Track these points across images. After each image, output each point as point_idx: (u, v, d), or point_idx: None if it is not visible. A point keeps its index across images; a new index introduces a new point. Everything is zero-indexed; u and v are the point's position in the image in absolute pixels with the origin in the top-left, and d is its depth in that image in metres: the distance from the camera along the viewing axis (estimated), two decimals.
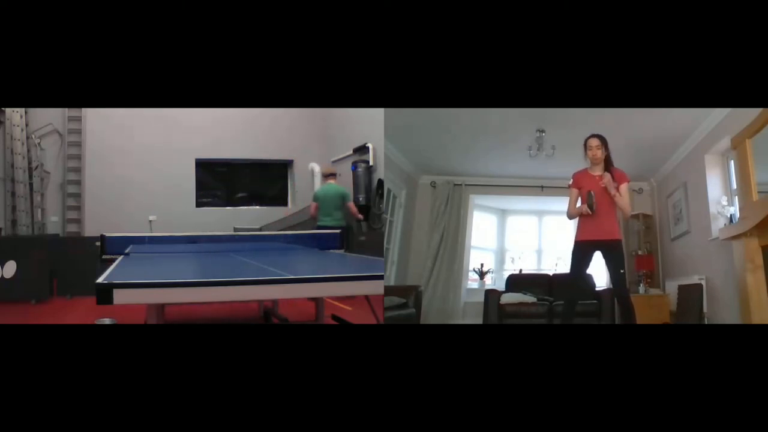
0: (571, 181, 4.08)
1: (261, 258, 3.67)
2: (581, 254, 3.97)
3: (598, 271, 7.21)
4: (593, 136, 3.98)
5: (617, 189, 3.86)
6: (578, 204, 4.02)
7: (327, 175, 7.67)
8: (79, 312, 6.25)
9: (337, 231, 5.88)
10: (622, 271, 3.91)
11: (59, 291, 7.44)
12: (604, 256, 3.96)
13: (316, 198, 7.46)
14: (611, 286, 4.24)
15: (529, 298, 6.44)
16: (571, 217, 4.10)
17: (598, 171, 3.96)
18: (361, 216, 7.80)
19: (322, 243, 5.26)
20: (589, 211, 3.84)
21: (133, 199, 10.52)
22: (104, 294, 2.05)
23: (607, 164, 3.95)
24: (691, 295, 5.36)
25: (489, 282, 7.66)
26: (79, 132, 10.53)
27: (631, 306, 3.90)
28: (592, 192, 3.88)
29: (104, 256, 4.63)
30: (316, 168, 11.26)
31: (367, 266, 3.14)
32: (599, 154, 3.92)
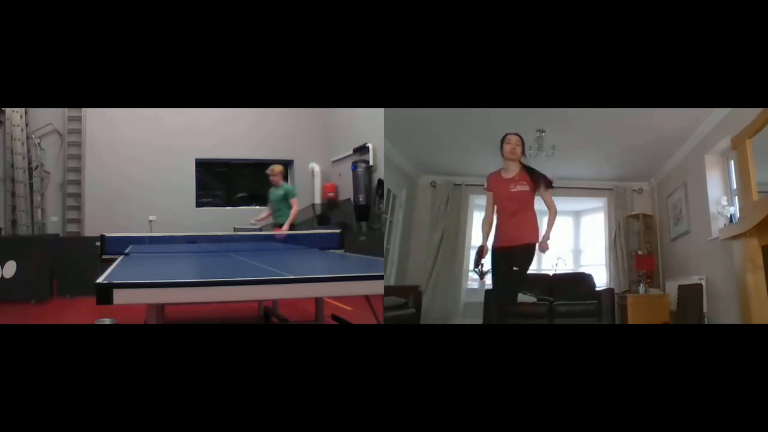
0: (486, 185, 3.95)
1: (261, 258, 3.67)
2: (501, 264, 3.85)
3: (598, 271, 7.25)
4: (513, 133, 3.84)
5: (537, 193, 3.75)
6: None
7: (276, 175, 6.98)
8: (79, 312, 6.25)
9: (337, 231, 5.88)
10: (515, 268, 3.78)
11: (59, 291, 7.44)
12: (513, 258, 3.82)
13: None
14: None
15: (529, 298, 6.44)
16: (489, 224, 3.96)
17: (511, 172, 3.84)
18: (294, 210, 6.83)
19: (322, 243, 5.27)
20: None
21: (133, 199, 10.53)
22: (104, 294, 2.05)
23: (524, 166, 3.83)
24: (691, 295, 5.36)
25: (489, 282, 7.65)
26: (79, 132, 10.54)
27: (504, 314, 3.83)
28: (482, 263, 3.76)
29: (104, 256, 4.63)
30: (316, 168, 11.26)
31: (367, 266, 3.14)
32: (518, 150, 3.80)
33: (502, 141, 3.85)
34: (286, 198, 6.83)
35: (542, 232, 3.86)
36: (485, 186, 3.95)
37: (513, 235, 3.77)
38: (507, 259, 3.83)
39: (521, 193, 3.76)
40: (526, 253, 3.79)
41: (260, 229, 7.66)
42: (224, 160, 11.61)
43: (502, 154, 3.85)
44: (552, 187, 3.85)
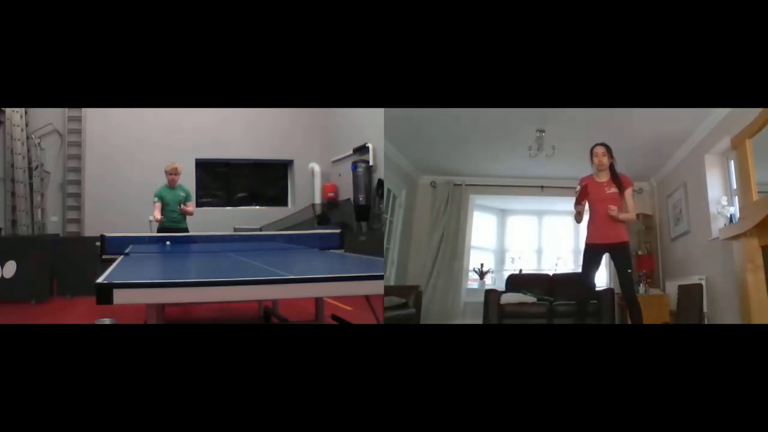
0: (578, 187, 4.28)
1: (261, 258, 3.67)
2: (591, 256, 4.20)
3: (598, 272, 7.24)
4: (599, 144, 4.24)
5: (623, 195, 4.14)
6: (585, 208, 4.25)
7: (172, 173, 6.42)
8: (79, 312, 6.25)
9: (337, 231, 5.88)
10: (629, 271, 4.14)
11: (59, 291, 7.44)
12: (612, 258, 4.21)
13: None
14: (619, 286, 4.45)
15: (529, 298, 6.44)
16: (580, 221, 4.33)
17: (603, 177, 4.21)
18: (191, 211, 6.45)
19: (322, 243, 5.26)
20: (618, 216, 4.07)
21: (133, 199, 10.52)
22: (104, 294, 2.05)
23: (612, 171, 4.21)
24: (691, 295, 5.36)
25: (489, 282, 7.66)
26: (79, 132, 10.54)
27: (637, 304, 4.11)
28: (613, 208, 4.09)
29: (104, 256, 4.63)
30: (316, 168, 11.26)
31: (367, 266, 3.14)
32: (605, 161, 4.18)
33: (591, 154, 4.23)
34: (186, 200, 6.41)
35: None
36: (577, 189, 4.26)
37: (609, 234, 4.14)
38: (601, 255, 4.23)
39: (614, 194, 4.15)
40: (627, 251, 4.19)
41: (260, 229, 7.64)
42: (224, 160, 11.61)
43: (592, 164, 4.23)
44: (631, 186, 4.24)
